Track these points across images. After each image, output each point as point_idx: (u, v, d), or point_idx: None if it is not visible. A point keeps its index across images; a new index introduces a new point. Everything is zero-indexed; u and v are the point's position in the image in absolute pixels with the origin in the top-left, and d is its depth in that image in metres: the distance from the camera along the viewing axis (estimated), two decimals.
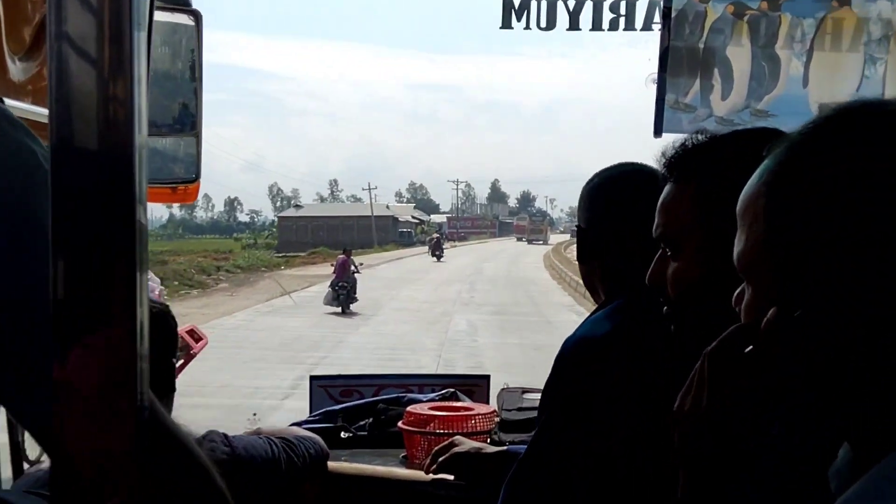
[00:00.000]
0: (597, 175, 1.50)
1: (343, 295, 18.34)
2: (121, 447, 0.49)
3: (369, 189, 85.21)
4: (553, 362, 1.34)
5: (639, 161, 1.48)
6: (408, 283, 26.83)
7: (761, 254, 0.75)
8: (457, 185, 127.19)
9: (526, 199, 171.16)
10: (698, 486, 0.86)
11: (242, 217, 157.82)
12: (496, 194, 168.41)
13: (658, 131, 1.98)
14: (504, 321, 16.00)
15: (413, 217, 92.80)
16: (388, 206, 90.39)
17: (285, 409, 7.81)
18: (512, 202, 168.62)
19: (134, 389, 0.49)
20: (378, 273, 31.09)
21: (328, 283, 19.28)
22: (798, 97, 2.01)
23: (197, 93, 1.98)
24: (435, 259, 42.40)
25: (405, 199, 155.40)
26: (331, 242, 66.44)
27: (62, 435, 0.49)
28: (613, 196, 1.44)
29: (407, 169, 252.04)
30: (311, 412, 2.09)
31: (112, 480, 0.50)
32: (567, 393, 1.32)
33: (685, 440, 0.85)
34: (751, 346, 0.79)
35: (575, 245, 1.47)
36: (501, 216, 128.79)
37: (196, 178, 1.99)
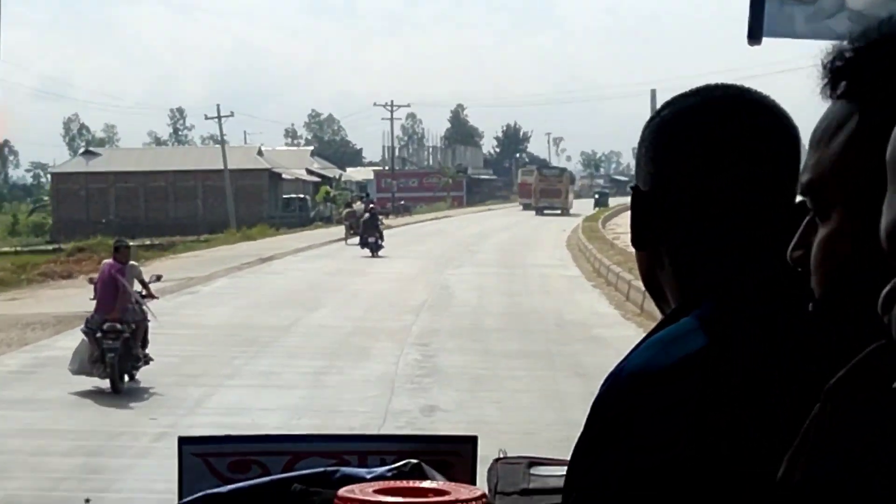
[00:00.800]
0: (666, 105, 1.09)
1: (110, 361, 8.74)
2: None
3: (219, 117, 47.83)
4: (589, 410, 0.94)
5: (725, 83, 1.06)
6: (267, 348, 11.65)
7: None
8: (391, 112, 69.95)
9: (512, 138, 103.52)
10: None
11: (19, 174, 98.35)
12: (461, 130, 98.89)
13: (756, 34, 1.27)
14: None
15: (311, 172, 54.68)
16: (259, 153, 51.90)
17: None
18: (488, 144, 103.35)
19: None
20: (200, 306, 15.76)
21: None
22: None
23: None
24: (368, 252, 25.06)
25: (301, 142, 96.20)
26: (152, 221, 43.29)
27: None
28: (696, 138, 1.02)
29: (308, 93, 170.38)
30: (180, 497, 1.28)
31: None
32: (612, 462, 0.91)
33: None
34: None
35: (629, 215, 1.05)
36: (472, 168, 78.74)
37: None
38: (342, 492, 1.19)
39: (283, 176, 50.97)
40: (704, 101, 1.04)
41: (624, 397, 0.92)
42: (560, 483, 1.10)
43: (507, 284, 19.00)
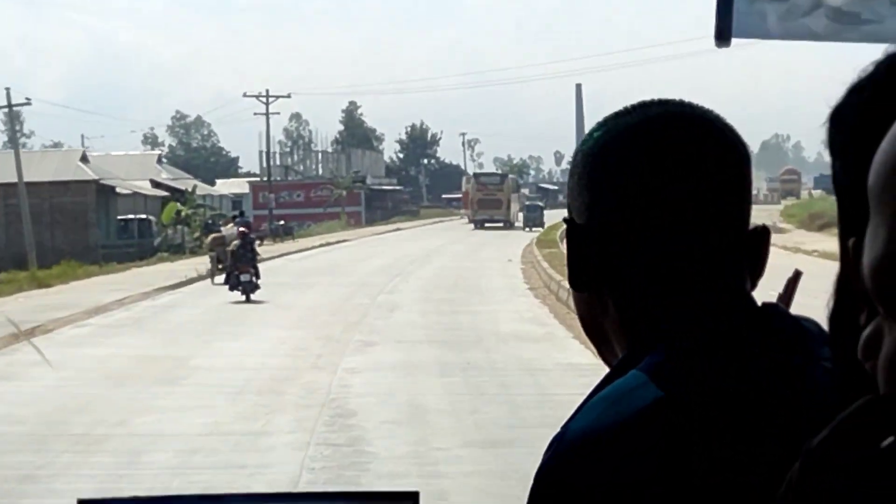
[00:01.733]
0: (599, 126, 1.00)
1: None
2: None
3: (9, 107, 33.09)
4: (533, 482, 0.87)
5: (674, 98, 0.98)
6: None
7: None
8: (266, 104, 53.26)
9: (418, 141, 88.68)
10: None
11: None
12: (356, 133, 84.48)
13: (725, 35, 1.19)
14: None
15: (157, 184, 42.10)
16: (84, 159, 38.10)
17: None
18: (390, 148, 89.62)
19: None
20: None
21: None
22: None
23: None
24: (239, 296, 17.62)
25: (165, 149, 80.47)
26: None
27: None
28: (635, 162, 0.95)
29: (179, 94, 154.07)
30: None
31: None
32: None
33: None
34: None
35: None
36: (372, 177, 65.83)
37: None
38: None
39: (118, 190, 37.64)
40: (641, 119, 0.95)
41: (570, 462, 0.85)
42: None
43: (465, 394, 9.56)
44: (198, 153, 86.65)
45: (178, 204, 38.46)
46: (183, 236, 37.62)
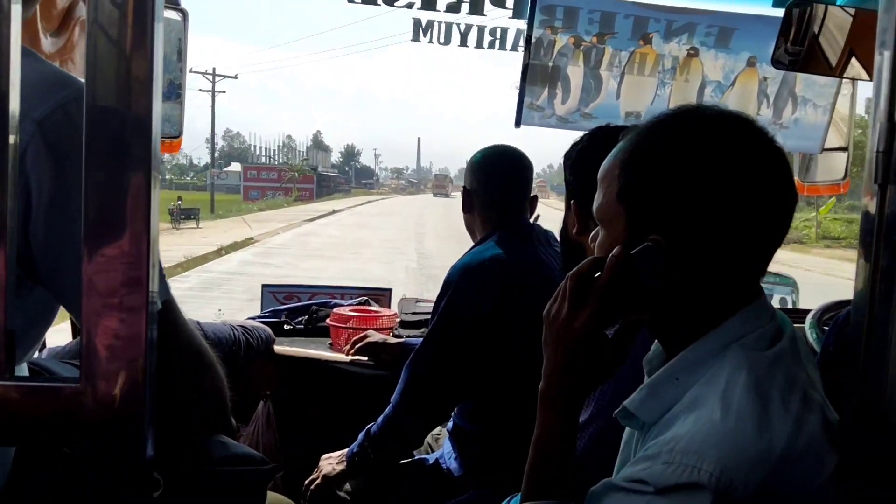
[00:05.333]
0: (480, 151, 2.13)
1: None
2: (132, 332, 0.56)
3: None
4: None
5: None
6: None
7: (614, 206, 0.97)
8: (213, 83, 46.69)
9: (351, 151, 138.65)
10: (560, 375, 1.00)
11: None
12: (317, 142, 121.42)
13: (518, 123, 2.81)
14: None
15: None
16: None
17: None
18: (336, 154, 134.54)
19: (145, 288, 0.56)
20: None
21: None
22: (613, 105, 2.89)
23: (182, 71, 2.62)
24: None
25: None
26: None
27: (87, 321, 0.57)
28: (488, 166, 2.10)
29: None
30: (261, 310, 2.80)
31: (125, 357, 0.56)
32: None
33: (549, 335, 1.02)
34: (599, 273, 0.99)
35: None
36: (322, 167, 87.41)
37: (180, 134, 2.64)
38: (335, 310, 2.74)
39: None
40: (495, 149, 2.33)
41: (455, 272, 1.96)
42: (427, 308, 2.64)
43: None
44: None
45: None
46: None
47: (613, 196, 0.97)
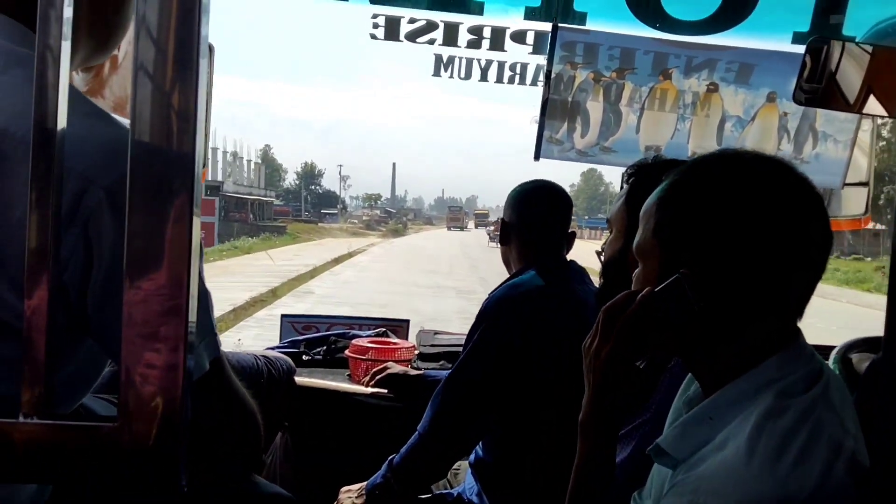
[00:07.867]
0: (520, 185, 2.11)
1: None
2: (168, 362, 0.56)
3: None
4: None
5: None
6: None
7: (650, 242, 1.00)
8: None
9: (309, 173, 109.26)
10: (591, 404, 1.03)
11: None
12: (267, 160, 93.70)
13: (537, 156, 2.82)
14: None
15: None
16: None
17: None
18: (291, 176, 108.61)
19: (183, 319, 0.57)
20: None
21: None
22: (632, 140, 2.90)
23: (208, 106, 2.67)
24: None
25: None
26: None
27: (125, 351, 0.57)
28: (529, 200, 2.08)
29: None
30: (280, 340, 2.80)
31: (162, 391, 0.56)
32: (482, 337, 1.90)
33: (585, 366, 1.05)
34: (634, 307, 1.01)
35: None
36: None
37: (205, 166, 2.69)
38: (353, 341, 2.74)
39: None
40: (533, 185, 2.15)
41: (490, 304, 1.95)
42: (447, 340, 2.64)
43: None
44: None
45: None
46: None
47: (650, 232, 0.99)
